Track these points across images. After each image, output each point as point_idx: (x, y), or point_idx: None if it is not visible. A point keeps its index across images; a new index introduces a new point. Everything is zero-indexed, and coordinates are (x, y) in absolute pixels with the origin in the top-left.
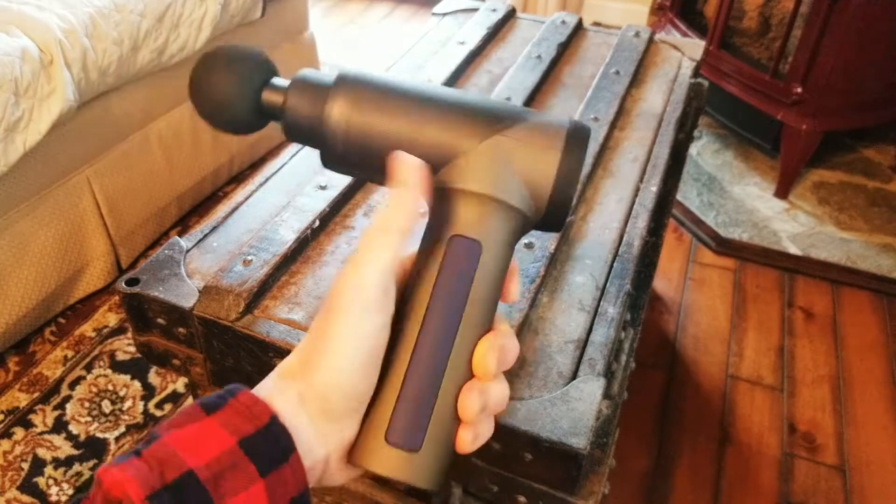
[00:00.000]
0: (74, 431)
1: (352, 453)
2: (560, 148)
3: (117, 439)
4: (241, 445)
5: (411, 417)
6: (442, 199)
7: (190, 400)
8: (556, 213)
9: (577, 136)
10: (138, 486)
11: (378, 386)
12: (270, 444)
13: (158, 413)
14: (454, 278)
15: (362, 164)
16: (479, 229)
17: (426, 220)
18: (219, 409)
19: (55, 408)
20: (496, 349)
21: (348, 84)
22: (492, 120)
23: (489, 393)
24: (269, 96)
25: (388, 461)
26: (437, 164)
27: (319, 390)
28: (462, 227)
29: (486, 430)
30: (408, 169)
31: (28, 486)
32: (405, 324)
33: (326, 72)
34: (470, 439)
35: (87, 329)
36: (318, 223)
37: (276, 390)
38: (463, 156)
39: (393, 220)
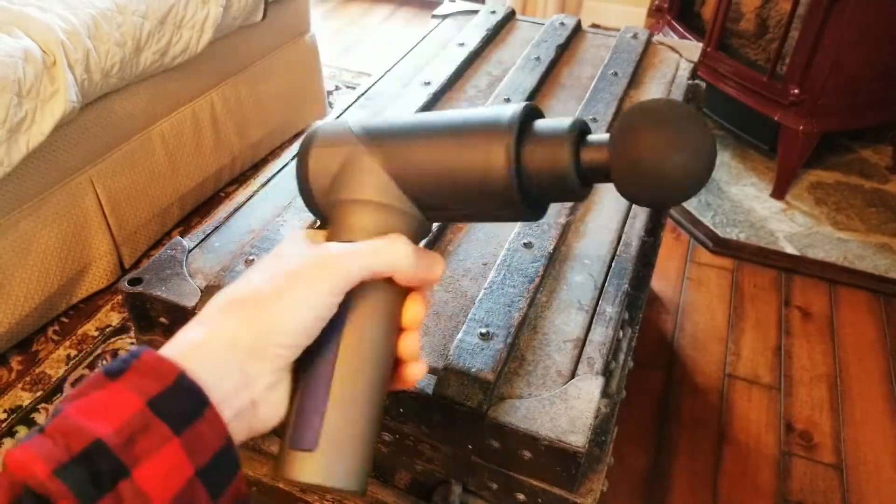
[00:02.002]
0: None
1: (270, 470)
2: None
3: None
4: (150, 405)
5: (304, 420)
6: (334, 210)
7: None
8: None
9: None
10: (43, 461)
11: (289, 409)
12: (181, 401)
13: None
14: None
15: None
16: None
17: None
18: (123, 374)
19: None
20: (422, 301)
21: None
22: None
23: (420, 335)
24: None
25: (290, 465)
26: None
27: (259, 333)
28: (353, 232)
29: (422, 368)
30: (439, 268)
31: None
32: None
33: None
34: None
35: (89, 328)
36: (318, 223)
37: (198, 340)
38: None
39: (401, 264)
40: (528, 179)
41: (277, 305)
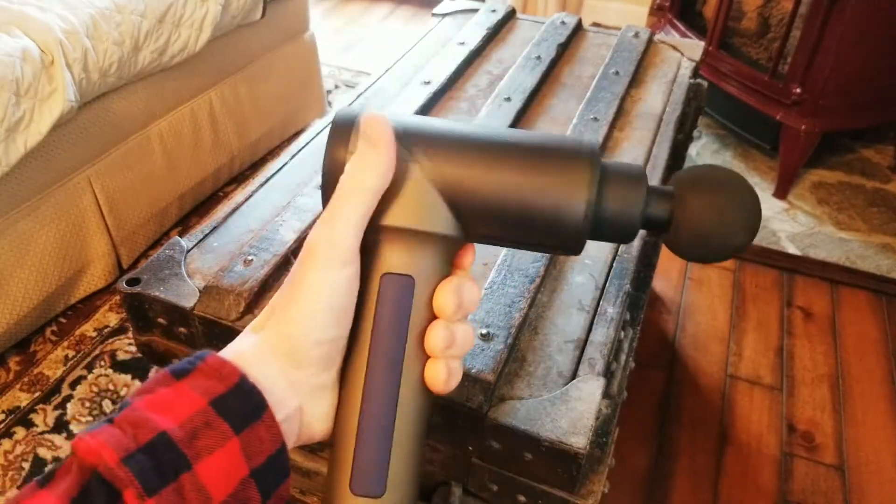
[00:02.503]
0: (75, 431)
1: (323, 500)
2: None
3: None
4: (213, 405)
5: (370, 466)
6: (370, 236)
7: None
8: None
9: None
10: (112, 449)
11: (337, 433)
12: (242, 403)
13: None
14: (391, 317)
15: None
16: (410, 263)
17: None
18: (188, 374)
19: (56, 407)
20: (453, 291)
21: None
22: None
23: (454, 330)
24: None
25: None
26: None
27: (289, 337)
28: (392, 265)
29: (457, 370)
30: (379, 127)
31: None
32: (351, 370)
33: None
34: (443, 377)
35: (87, 329)
36: None
37: (245, 348)
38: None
39: (366, 179)
40: (599, 220)
41: (296, 302)
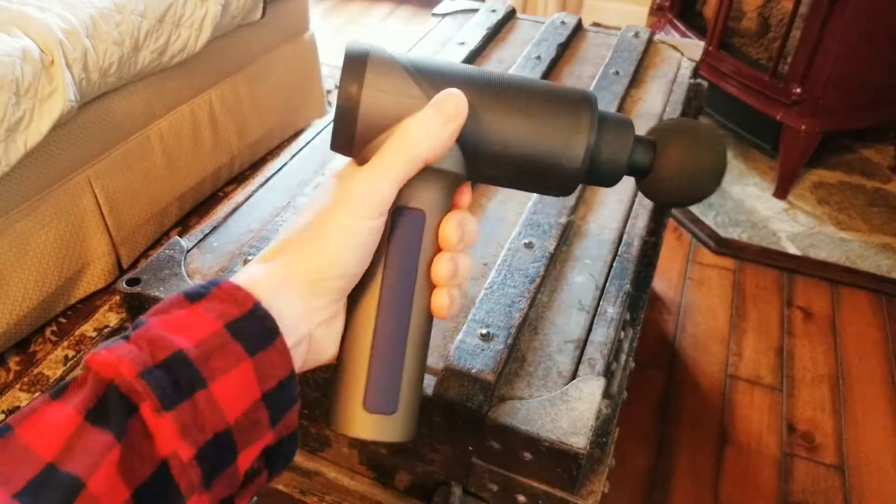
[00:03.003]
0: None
1: (333, 419)
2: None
3: None
4: (228, 328)
5: (384, 385)
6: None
7: None
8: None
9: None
10: (130, 363)
11: (347, 356)
12: (255, 327)
13: None
14: (403, 250)
15: None
16: (421, 198)
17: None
18: (202, 298)
19: None
20: (457, 224)
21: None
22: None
23: (457, 261)
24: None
25: (368, 427)
26: None
27: (315, 269)
28: (403, 200)
29: (458, 298)
30: (458, 105)
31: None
32: (363, 297)
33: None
34: (446, 304)
35: (87, 329)
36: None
37: (258, 276)
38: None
39: (425, 145)
40: (592, 164)
41: (324, 239)
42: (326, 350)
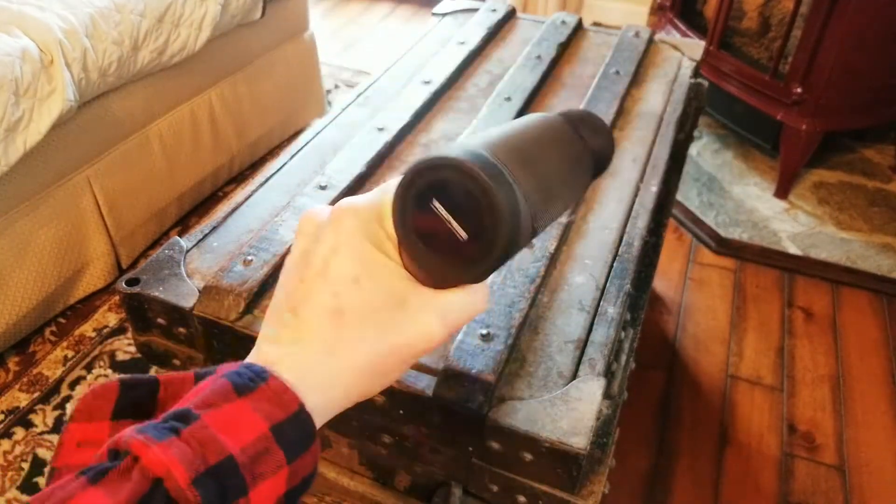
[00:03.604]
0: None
1: None
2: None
3: None
4: (273, 431)
5: None
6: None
7: None
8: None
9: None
10: (184, 468)
11: None
12: (297, 432)
13: None
14: None
15: None
16: None
17: None
18: (251, 392)
19: (55, 408)
20: None
21: None
22: None
23: None
24: None
25: None
26: None
27: (366, 392)
28: None
29: None
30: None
31: (28, 486)
32: None
33: None
34: None
35: (87, 329)
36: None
37: (307, 368)
38: None
39: (479, 311)
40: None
41: (384, 378)
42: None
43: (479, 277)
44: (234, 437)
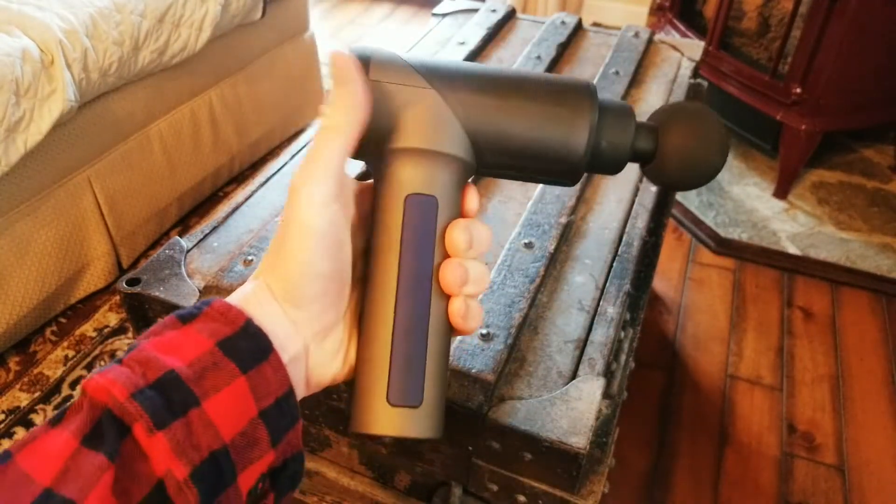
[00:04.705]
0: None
1: (355, 421)
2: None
3: None
4: (220, 346)
5: (408, 376)
6: (389, 160)
7: None
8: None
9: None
10: (122, 386)
11: (366, 349)
12: (248, 344)
13: None
14: (418, 236)
15: None
16: (432, 184)
17: (367, 118)
18: (195, 318)
19: (56, 407)
20: (463, 227)
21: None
22: None
23: (468, 267)
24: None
25: (395, 422)
26: None
27: (284, 278)
28: (415, 186)
29: (475, 310)
30: (344, 65)
31: None
32: (378, 287)
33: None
34: (462, 312)
35: (87, 329)
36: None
37: (248, 293)
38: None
39: (338, 117)
40: (595, 151)
41: (285, 246)
42: (327, 369)
43: None
44: (176, 355)
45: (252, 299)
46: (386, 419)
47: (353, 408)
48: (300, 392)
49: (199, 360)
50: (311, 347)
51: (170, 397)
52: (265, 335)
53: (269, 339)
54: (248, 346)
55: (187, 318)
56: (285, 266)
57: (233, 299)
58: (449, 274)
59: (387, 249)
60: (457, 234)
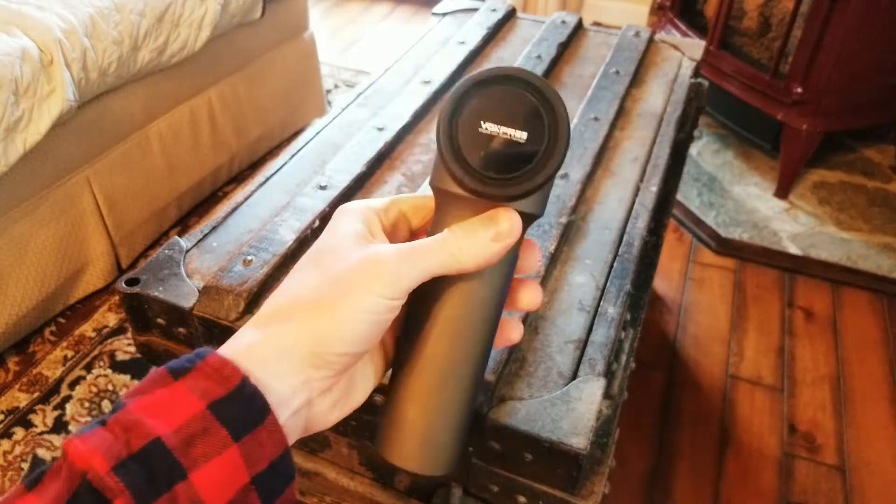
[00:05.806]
0: (74, 431)
1: (388, 449)
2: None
3: None
4: (211, 409)
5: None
6: (449, 202)
7: None
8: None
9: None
10: (102, 456)
11: (410, 388)
12: (243, 407)
13: None
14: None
15: None
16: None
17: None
18: (187, 374)
19: (55, 408)
20: (536, 291)
21: None
22: None
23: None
24: None
25: (425, 463)
26: None
27: (322, 336)
28: None
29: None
30: (516, 230)
31: None
32: (431, 328)
33: None
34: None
35: (87, 329)
36: (318, 223)
37: (256, 343)
38: None
39: (466, 262)
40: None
41: (335, 311)
42: (326, 417)
43: (550, 177)
44: (163, 419)
45: (256, 354)
46: (421, 459)
47: (389, 434)
48: (295, 437)
49: (188, 424)
50: (315, 400)
51: (154, 470)
52: (262, 396)
53: (266, 401)
54: (242, 411)
55: (179, 372)
56: (328, 331)
57: (232, 350)
58: (517, 333)
59: (445, 300)
60: (534, 297)
